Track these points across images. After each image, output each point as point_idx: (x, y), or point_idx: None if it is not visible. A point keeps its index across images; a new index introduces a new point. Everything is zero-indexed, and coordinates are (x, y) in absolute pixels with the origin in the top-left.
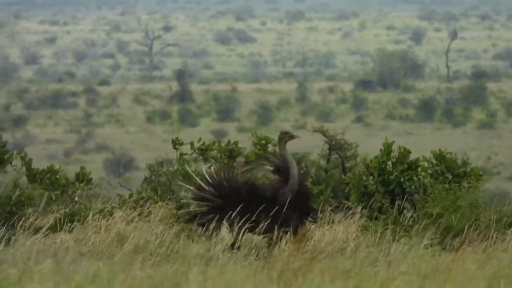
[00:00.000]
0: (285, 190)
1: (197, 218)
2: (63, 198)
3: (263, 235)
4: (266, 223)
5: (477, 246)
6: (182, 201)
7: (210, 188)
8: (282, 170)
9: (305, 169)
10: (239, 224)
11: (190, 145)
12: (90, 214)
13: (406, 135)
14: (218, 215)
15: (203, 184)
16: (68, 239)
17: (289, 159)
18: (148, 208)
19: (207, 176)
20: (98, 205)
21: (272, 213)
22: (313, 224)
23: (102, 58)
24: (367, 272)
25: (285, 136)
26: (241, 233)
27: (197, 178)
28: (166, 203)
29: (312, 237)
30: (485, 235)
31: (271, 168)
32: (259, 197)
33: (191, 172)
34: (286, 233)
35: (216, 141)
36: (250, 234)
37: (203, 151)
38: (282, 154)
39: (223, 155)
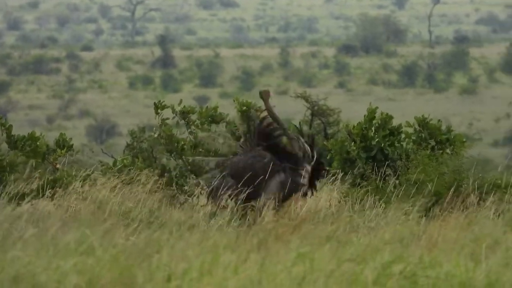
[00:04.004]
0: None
1: None
2: (45, 165)
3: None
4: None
5: (459, 213)
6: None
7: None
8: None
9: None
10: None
11: (171, 108)
12: (72, 181)
13: (388, 101)
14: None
15: None
16: (50, 206)
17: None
18: (130, 175)
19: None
20: (80, 172)
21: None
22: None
23: (84, 23)
24: (349, 239)
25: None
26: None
27: None
28: (148, 170)
29: (295, 204)
30: (467, 201)
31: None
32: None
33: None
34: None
35: (199, 107)
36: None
37: (185, 115)
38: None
39: (204, 120)
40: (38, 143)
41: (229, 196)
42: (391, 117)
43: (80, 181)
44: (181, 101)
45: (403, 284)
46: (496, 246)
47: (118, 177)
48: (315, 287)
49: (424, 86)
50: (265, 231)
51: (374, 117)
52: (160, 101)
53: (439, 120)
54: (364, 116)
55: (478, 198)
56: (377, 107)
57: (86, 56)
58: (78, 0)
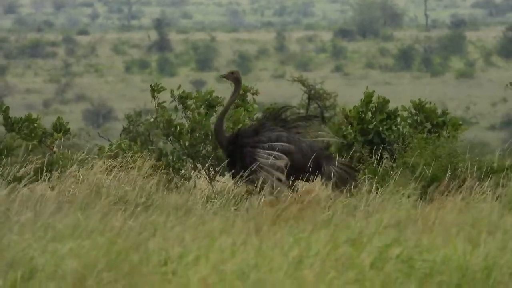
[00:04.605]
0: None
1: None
2: (41, 149)
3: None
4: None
5: (456, 196)
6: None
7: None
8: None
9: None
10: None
11: (170, 92)
12: (69, 165)
13: (385, 84)
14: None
15: None
16: (47, 189)
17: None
18: (127, 159)
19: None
20: (77, 155)
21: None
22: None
23: (80, 7)
24: (346, 223)
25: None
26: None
27: None
28: (144, 153)
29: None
30: (462, 184)
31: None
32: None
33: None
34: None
35: (197, 91)
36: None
37: (183, 99)
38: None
39: (200, 104)
40: (35, 124)
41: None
42: (387, 101)
43: (77, 165)
44: (179, 86)
45: (400, 267)
46: (494, 229)
47: (114, 160)
48: (312, 270)
49: (420, 70)
50: (262, 215)
51: (370, 101)
52: (156, 83)
53: (430, 103)
54: (361, 100)
55: (475, 181)
56: (373, 91)
57: (82, 40)
58: None
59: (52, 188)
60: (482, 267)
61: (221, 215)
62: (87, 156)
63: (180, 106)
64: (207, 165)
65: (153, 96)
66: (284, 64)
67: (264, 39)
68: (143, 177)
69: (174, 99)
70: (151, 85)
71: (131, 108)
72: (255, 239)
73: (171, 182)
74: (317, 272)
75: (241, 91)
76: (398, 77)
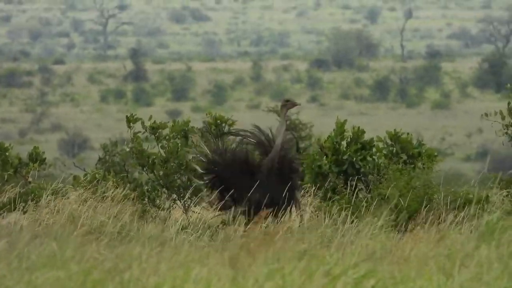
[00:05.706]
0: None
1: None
2: (16, 178)
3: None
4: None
5: (431, 227)
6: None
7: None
8: (264, 148)
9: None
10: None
11: (142, 124)
12: (44, 195)
13: (361, 115)
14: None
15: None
16: (21, 219)
17: (277, 140)
18: (102, 189)
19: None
20: (52, 185)
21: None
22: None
23: (57, 37)
24: (321, 254)
25: (287, 104)
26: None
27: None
28: (119, 183)
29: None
30: (439, 216)
31: (253, 141)
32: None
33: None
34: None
35: (173, 121)
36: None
37: (155, 130)
38: (281, 124)
39: (175, 134)
40: (7, 153)
41: None
42: (362, 131)
43: (52, 195)
44: (150, 116)
45: None
46: (468, 261)
47: (89, 190)
48: None
49: (396, 101)
50: (237, 246)
51: (344, 131)
52: (132, 114)
53: (408, 133)
54: (334, 129)
55: (450, 212)
56: (346, 120)
57: (58, 70)
58: (50, 14)
59: (27, 218)
60: None
61: (196, 246)
62: (62, 186)
63: (151, 137)
64: (181, 195)
65: (129, 127)
66: (260, 94)
67: (240, 69)
68: (118, 207)
69: (146, 130)
70: (126, 116)
71: (107, 138)
72: (230, 270)
73: (147, 213)
74: None
75: (218, 121)
76: (373, 107)
